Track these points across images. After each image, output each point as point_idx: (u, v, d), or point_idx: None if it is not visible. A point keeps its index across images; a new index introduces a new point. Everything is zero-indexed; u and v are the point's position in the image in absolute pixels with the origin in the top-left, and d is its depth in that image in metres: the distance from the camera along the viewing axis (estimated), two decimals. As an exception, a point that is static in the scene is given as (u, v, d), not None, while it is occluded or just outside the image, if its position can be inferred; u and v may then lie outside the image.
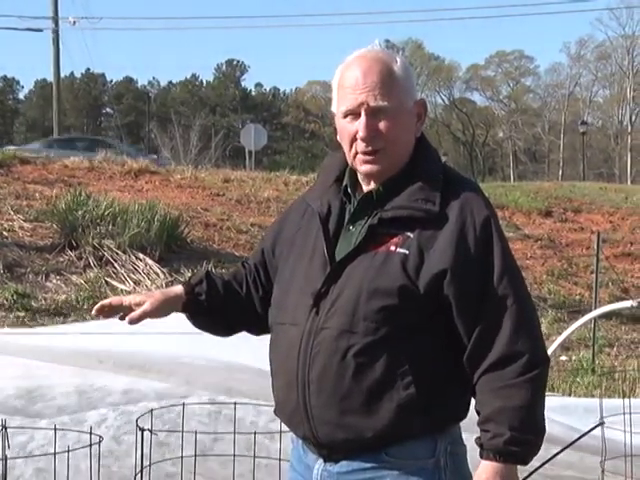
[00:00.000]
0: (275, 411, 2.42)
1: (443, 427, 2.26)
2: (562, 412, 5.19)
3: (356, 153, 2.30)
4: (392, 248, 2.22)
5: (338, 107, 2.33)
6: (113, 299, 2.51)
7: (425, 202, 2.23)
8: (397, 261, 2.20)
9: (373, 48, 2.34)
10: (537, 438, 2.17)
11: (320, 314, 2.25)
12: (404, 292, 2.18)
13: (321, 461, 2.32)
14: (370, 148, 2.28)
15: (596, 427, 3.48)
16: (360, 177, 2.35)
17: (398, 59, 2.31)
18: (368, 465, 2.24)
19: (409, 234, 2.22)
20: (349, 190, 2.36)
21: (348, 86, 2.28)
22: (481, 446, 2.17)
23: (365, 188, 2.34)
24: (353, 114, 2.28)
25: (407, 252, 2.20)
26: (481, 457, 2.17)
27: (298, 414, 2.28)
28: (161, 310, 2.47)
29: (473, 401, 2.27)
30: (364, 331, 2.19)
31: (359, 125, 2.26)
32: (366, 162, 2.30)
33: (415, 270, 2.18)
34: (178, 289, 2.52)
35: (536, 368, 2.16)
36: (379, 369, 2.18)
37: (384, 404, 2.19)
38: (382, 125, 2.26)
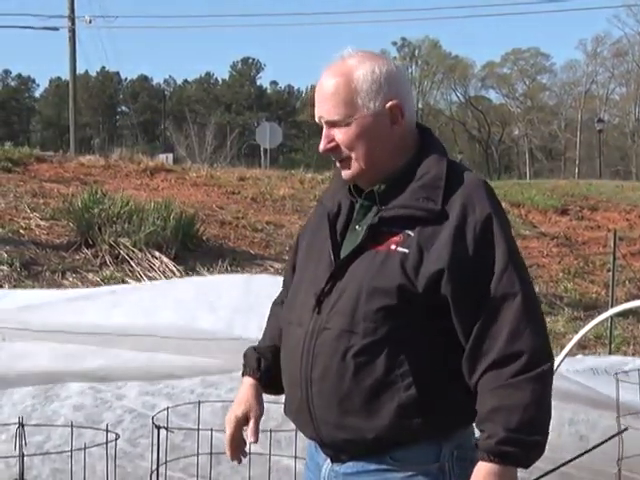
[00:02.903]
0: (284, 410, 2.43)
1: (448, 431, 2.23)
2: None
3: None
4: (392, 247, 2.21)
5: None
6: (229, 452, 2.50)
7: (427, 201, 2.21)
8: (396, 260, 2.18)
9: (344, 55, 2.32)
10: (536, 440, 2.11)
11: (322, 314, 2.25)
12: (402, 292, 2.16)
13: (329, 461, 2.32)
14: (335, 157, 2.33)
15: (616, 435, 3.47)
16: None
17: (366, 64, 2.27)
18: (372, 467, 2.24)
19: (410, 233, 2.20)
20: (352, 189, 2.37)
21: (315, 97, 2.33)
22: (476, 446, 2.14)
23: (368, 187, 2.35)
24: (321, 124, 2.34)
25: (407, 251, 2.18)
26: (478, 457, 2.13)
27: (303, 414, 2.29)
28: (258, 407, 2.48)
29: None
30: (364, 331, 2.18)
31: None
32: (342, 169, 2.34)
33: (414, 270, 2.17)
34: (250, 384, 2.50)
35: (537, 367, 2.12)
36: (379, 370, 2.17)
37: (384, 405, 2.18)
38: (339, 136, 2.29)
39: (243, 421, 2.45)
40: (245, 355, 2.56)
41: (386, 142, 2.29)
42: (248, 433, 2.45)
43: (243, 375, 2.54)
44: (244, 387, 2.51)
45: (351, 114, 2.26)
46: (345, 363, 2.19)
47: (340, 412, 2.21)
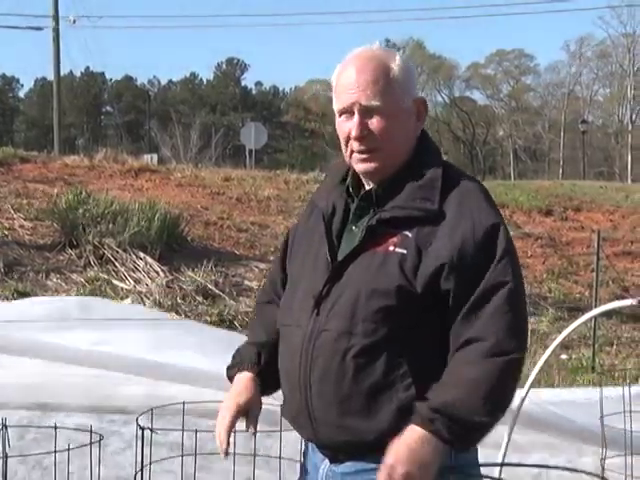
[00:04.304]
0: (281, 412, 2.42)
1: None
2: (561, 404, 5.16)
3: (352, 152, 2.31)
4: (390, 248, 2.21)
5: (335, 105, 2.33)
6: (221, 439, 2.35)
7: (424, 201, 2.22)
8: (395, 261, 2.19)
9: (372, 47, 2.33)
10: (470, 421, 2.08)
11: (321, 316, 2.25)
12: (402, 292, 2.17)
13: (327, 461, 2.32)
14: (364, 147, 2.28)
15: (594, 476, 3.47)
16: (361, 176, 2.36)
17: (397, 57, 2.30)
18: (371, 467, 2.22)
19: (407, 233, 2.21)
20: (351, 190, 2.36)
21: (343, 85, 2.29)
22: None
23: (366, 187, 2.34)
24: (347, 113, 2.29)
25: (405, 252, 2.19)
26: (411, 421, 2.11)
27: (302, 416, 2.29)
28: (259, 401, 2.42)
29: None
30: (363, 332, 2.18)
31: (352, 124, 2.27)
32: (361, 161, 2.30)
33: (412, 270, 2.17)
34: (248, 377, 2.43)
35: (503, 355, 2.11)
36: (378, 370, 2.17)
37: (384, 406, 2.18)
38: (375, 124, 2.26)
39: (244, 411, 2.38)
40: (239, 351, 2.50)
41: (411, 138, 2.32)
42: (248, 423, 2.38)
43: (237, 371, 2.45)
44: (242, 379, 2.43)
45: (392, 103, 2.25)
46: (345, 364, 2.19)
47: (340, 413, 2.21)
